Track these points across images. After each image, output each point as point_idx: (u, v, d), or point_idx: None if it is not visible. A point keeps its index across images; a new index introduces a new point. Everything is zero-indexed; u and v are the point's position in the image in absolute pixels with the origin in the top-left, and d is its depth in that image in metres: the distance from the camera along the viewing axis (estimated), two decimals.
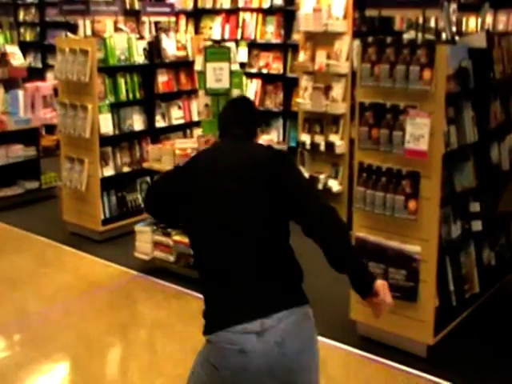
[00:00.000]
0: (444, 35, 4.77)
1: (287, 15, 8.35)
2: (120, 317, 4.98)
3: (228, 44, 6.23)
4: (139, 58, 6.86)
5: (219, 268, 2.34)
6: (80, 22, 7.95)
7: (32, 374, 4.23)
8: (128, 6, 9.84)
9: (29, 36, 12.28)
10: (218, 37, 8.97)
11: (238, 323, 2.19)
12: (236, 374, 2.19)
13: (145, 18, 8.02)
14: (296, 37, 7.87)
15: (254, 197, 2.39)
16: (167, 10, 7.69)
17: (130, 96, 6.83)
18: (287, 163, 2.52)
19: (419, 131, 4.06)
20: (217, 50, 5.77)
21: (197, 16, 9.60)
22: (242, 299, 2.25)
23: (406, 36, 5.02)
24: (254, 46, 8.73)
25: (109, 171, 6.66)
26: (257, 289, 2.28)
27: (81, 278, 5.71)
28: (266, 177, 2.43)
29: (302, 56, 6.98)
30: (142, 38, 7.18)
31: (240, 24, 8.95)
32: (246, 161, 2.52)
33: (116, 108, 6.69)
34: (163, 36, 7.15)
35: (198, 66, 5.96)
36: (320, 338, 4.49)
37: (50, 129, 9.29)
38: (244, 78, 6.89)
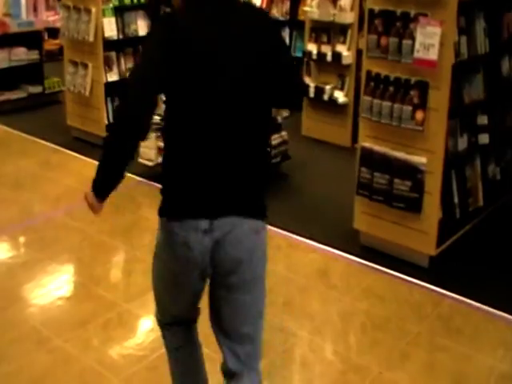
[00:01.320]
0: None
1: None
2: (124, 220, 5.04)
3: None
4: None
5: (201, 156, 2.21)
6: None
7: (38, 274, 4.30)
8: None
9: None
10: None
11: (193, 218, 2.22)
12: (181, 263, 2.29)
13: None
14: None
15: (252, 83, 2.22)
16: None
17: (135, 0, 6.69)
18: (281, 36, 2.47)
19: (429, 40, 3.96)
20: None
21: None
22: (208, 194, 2.23)
23: None
24: None
25: (113, 76, 6.61)
26: (228, 188, 2.24)
27: (85, 182, 5.61)
28: (266, 56, 2.23)
29: None
30: None
31: None
32: (244, 39, 2.22)
33: (120, 12, 6.56)
34: None
35: None
36: (323, 247, 4.65)
37: (53, 33, 9.13)
38: None
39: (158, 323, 2.67)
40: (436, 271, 4.34)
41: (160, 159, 5.64)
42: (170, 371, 2.71)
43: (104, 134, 6.46)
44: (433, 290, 4.15)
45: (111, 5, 6.42)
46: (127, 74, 6.66)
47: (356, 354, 3.52)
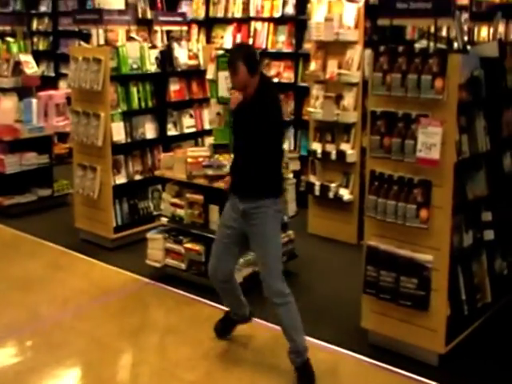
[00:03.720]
0: (456, 44, 4.78)
1: (298, 24, 8.36)
2: (132, 322, 4.99)
3: None
4: (151, 67, 6.92)
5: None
6: (93, 31, 8.07)
7: (45, 378, 4.26)
8: (140, 15, 9.97)
9: (42, 45, 12.40)
10: (229, 46, 8.96)
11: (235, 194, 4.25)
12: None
13: (157, 27, 8.12)
14: (307, 46, 7.85)
15: None
16: (179, 19, 7.77)
17: (143, 104, 6.88)
18: None
19: (431, 140, 4.07)
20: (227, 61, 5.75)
21: (208, 25, 9.66)
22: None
23: (418, 45, 5.06)
24: (265, 55, 8.71)
25: (121, 179, 6.70)
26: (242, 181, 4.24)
27: (93, 284, 5.74)
28: None
29: (314, 65, 6.98)
30: (154, 46, 7.24)
31: (251, 33, 8.97)
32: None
33: (128, 116, 6.72)
34: (175, 45, 7.20)
35: (209, 75, 5.94)
36: (331, 346, 4.61)
37: (63, 137, 9.32)
38: None
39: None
40: (446, 369, 4.28)
41: (167, 260, 5.68)
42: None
43: (112, 235, 6.56)
44: None
45: (120, 110, 6.61)
46: (135, 177, 6.81)
47: None
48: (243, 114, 4.13)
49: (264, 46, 8.76)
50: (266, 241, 4.14)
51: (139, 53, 6.78)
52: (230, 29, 9.33)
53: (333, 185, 6.82)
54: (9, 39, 9.17)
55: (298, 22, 8.38)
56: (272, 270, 4.12)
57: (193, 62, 7.31)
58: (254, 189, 4.13)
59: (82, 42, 8.14)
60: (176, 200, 5.65)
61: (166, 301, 5.40)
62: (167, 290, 5.55)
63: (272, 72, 8.64)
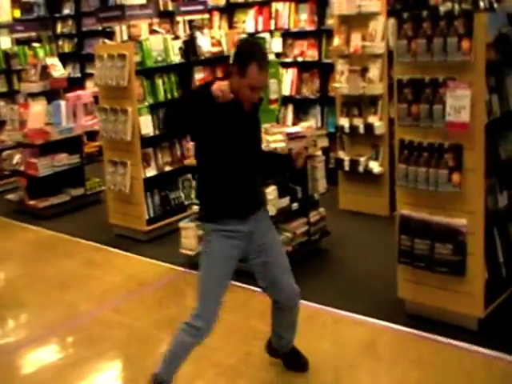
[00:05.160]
0: (482, 4, 4.64)
1: (320, 1, 8.26)
2: (169, 313, 4.98)
3: (262, 35, 6.19)
4: (175, 58, 6.91)
5: (235, 177, 3.52)
6: (116, 28, 8.15)
7: (87, 372, 4.27)
8: (162, 8, 9.96)
9: (67, 47, 12.44)
10: (251, 30, 8.95)
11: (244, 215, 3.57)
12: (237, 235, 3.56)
13: (179, 18, 8.10)
14: (330, 22, 7.78)
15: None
16: (200, 7, 7.79)
17: (169, 96, 6.86)
18: None
19: (460, 103, 3.98)
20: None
21: (230, 11, 9.61)
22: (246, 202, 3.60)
23: (443, 8, 4.92)
24: (288, 36, 8.66)
25: (151, 171, 6.71)
26: (254, 196, 3.66)
27: (129, 277, 5.75)
28: None
29: (337, 40, 6.91)
30: (177, 37, 7.21)
31: (273, 15, 8.90)
32: None
33: (155, 109, 6.71)
34: (198, 34, 7.17)
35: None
36: (369, 319, 4.56)
37: (92, 135, 9.41)
38: (280, 68, 6.89)
39: None
40: (486, 333, 4.23)
41: (200, 248, 5.64)
42: None
43: (145, 228, 6.58)
44: (484, 354, 4.03)
45: (146, 103, 6.60)
46: (165, 168, 6.81)
47: None
48: (248, 120, 3.58)
49: (286, 27, 8.69)
50: (280, 243, 3.95)
51: (163, 45, 6.78)
52: (252, 12, 9.27)
53: (362, 159, 6.76)
54: (35, 45, 9.30)
55: None
56: (291, 273, 3.80)
57: (216, 49, 7.27)
58: (261, 197, 3.88)
59: (106, 40, 8.18)
60: None
61: None
62: None
63: (295, 51, 8.62)
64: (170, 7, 9.99)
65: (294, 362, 4.01)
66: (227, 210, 3.49)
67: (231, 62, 3.48)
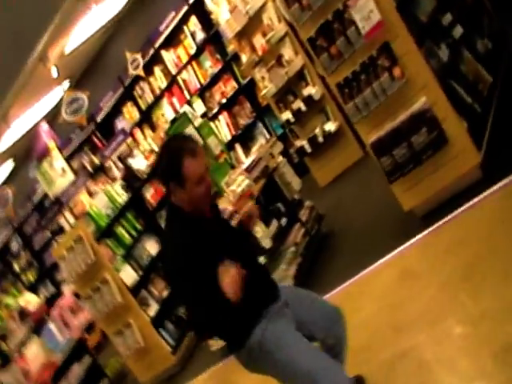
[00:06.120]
0: None
1: (214, 40, 8.49)
2: None
3: (182, 111, 6.20)
4: (123, 198, 6.83)
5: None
6: (62, 221, 8.19)
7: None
8: (90, 168, 8.90)
9: (31, 275, 11.78)
10: (172, 115, 8.89)
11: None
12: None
13: (108, 162, 7.84)
14: (232, 47, 8.00)
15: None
16: (122, 137, 7.62)
17: (134, 233, 6.79)
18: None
19: (366, 9, 4.22)
20: (177, 125, 5.79)
21: (147, 118, 9.77)
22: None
23: None
24: (204, 90, 8.86)
25: (153, 309, 6.59)
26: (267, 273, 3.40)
27: None
28: None
29: (244, 56, 7.21)
30: (114, 180, 7.20)
31: (183, 87, 9.08)
32: None
33: (128, 254, 6.61)
34: (130, 160, 7.17)
35: None
36: (391, 256, 4.52)
37: (89, 328, 8.56)
38: (211, 123, 7.03)
39: None
40: (491, 172, 4.27)
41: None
42: None
43: (172, 359, 6.41)
44: (501, 186, 4.08)
45: (119, 257, 6.49)
46: (163, 295, 6.69)
47: None
48: (219, 223, 3.30)
49: (199, 85, 8.85)
50: (297, 290, 3.64)
51: (106, 197, 6.71)
52: (164, 101, 9.43)
53: (317, 129, 6.91)
54: (4, 297, 9.06)
55: (213, 39, 8.48)
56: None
57: (152, 159, 7.23)
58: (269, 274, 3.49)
59: (58, 239, 8.00)
60: None
61: None
62: None
63: (217, 97, 8.72)
64: (96, 161, 8.83)
65: None
66: (260, 304, 3.10)
67: (163, 183, 3.04)
